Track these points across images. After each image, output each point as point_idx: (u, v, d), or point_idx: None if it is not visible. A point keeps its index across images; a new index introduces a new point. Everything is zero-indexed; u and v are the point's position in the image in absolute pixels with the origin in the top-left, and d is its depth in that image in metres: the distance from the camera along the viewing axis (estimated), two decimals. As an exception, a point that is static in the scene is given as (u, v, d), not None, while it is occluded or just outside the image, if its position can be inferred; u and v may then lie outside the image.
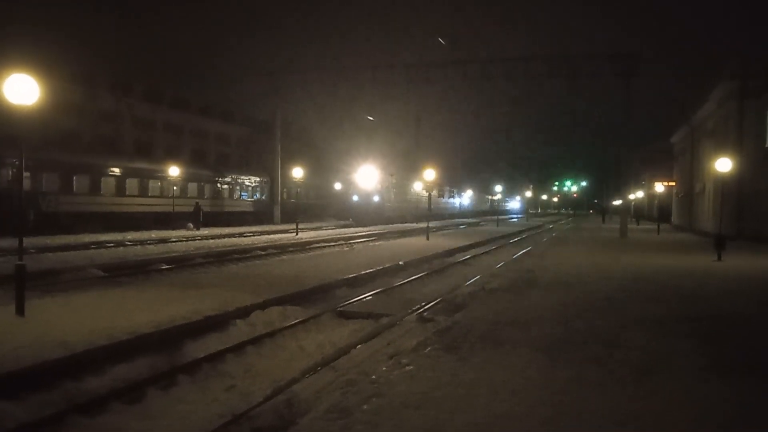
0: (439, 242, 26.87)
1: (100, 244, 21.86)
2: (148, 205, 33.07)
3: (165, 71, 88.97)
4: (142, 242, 23.33)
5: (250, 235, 29.44)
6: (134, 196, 32.36)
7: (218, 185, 39.70)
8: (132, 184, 32.39)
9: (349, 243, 26.65)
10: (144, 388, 6.68)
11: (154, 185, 33.91)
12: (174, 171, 34.40)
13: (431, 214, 32.68)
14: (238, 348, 8.40)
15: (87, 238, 23.37)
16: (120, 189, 31.53)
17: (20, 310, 8.71)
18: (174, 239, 25.40)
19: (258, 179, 44.30)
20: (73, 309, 9.40)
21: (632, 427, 4.81)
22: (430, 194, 34.34)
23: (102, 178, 30.51)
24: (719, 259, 18.92)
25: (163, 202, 34.16)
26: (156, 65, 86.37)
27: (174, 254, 19.14)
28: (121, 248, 20.94)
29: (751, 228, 28.00)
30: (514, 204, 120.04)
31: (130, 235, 25.56)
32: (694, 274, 15.61)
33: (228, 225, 36.43)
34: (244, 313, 10.18)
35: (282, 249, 22.94)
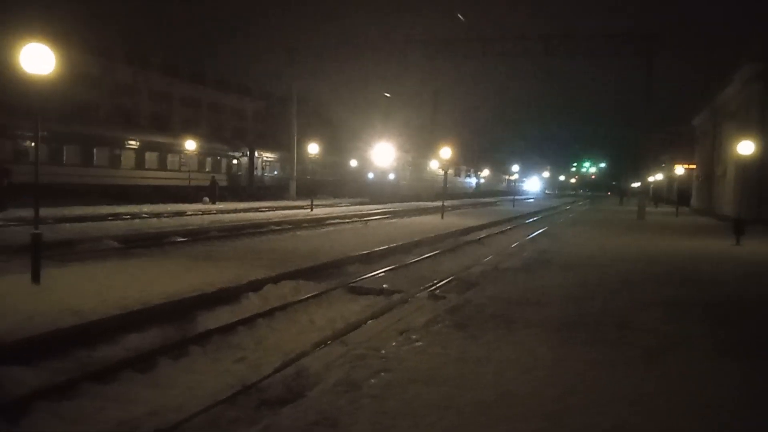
0: (454, 221, 26.78)
1: (116, 216, 22.07)
2: (164, 178, 33.28)
3: (182, 45, 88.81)
4: (158, 215, 23.50)
5: (265, 210, 29.54)
6: (151, 169, 32.55)
7: (234, 160, 39.71)
8: (150, 157, 32.60)
9: (364, 220, 26.64)
10: (155, 357, 6.73)
11: (171, 159, 34.11)
12: (190, 145, 34.51)
13: (447, 192, 32.53)
14: (250, 320, 8.44)
15: (104, 210, 23.57)
16: (139, 162, 31.75)
17: (36, 278, 8.82)
18: (190, 213, 25.55)
19: (275, 155, 44.18)
20: (88, 279, 9.49)
21: (642, 407, 4.77)
22: (446, 173, 34.12)
23: (121, 152, 30.72)
24: (738, 243, 18.66)
25: (179, 176, 34.36)
26: (173, 39, 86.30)
27: (189, 227, 19.26)
28: (137, 220, 21.12)
29: (772, 213, 27.53)
30: (532, 184, 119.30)
31: (147, 208, 25.74)
32: (711, 258, 15.43)
33: (244, 200, 36.57)
34: (257, 286, 10.22)
35: (296, 225, 22.99)
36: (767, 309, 9.17)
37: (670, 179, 63.79)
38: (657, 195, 65.73)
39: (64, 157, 27.67)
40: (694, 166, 49.72)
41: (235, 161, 40.26)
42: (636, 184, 57.01)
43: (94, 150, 29.38)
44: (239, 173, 40.58)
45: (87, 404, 5.52)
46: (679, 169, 47.80)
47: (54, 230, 15.81)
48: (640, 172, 42.12)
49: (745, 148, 20.28)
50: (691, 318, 8.07)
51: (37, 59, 8.54)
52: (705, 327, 7.56)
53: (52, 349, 6.58)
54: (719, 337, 7.09)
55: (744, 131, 26.46)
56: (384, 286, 11.52)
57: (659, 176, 67.27)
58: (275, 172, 44.24)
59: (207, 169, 36.49)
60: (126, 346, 7.13)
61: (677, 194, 49.24)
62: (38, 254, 8.97)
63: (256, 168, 41.92)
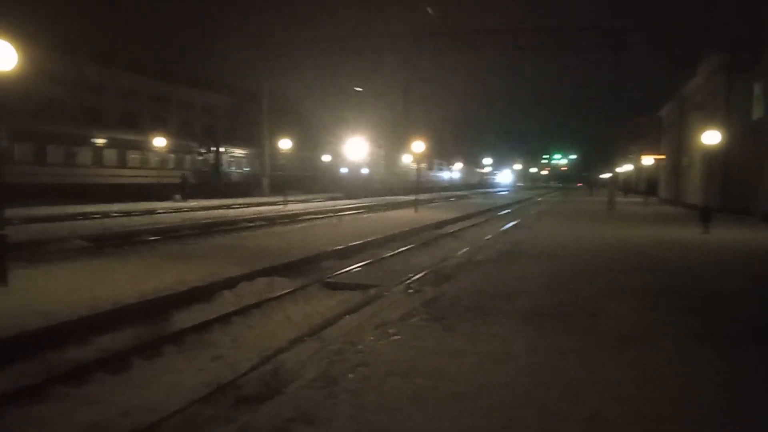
0: (428, 215, 26.86)
1: (86, 216, 21.65)
2: (132, 177, 32.64)
3: (150, 42, 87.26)
4: (128, 213, 23.13)
5: (238, 207, 29.27)
6: (113, 167, 31.80)
7: (199, 157, 38.90)
8: (116, 154, 31.91)
9: (338, 215, 26.58)
10: (129, 358, 6.64)
11: (141, 157, 33.50)
12: (159, 142, 33.92)
13: (420, 186, 32.61)
14: (225, 318, 8.37)
15: (72, 209, 23.10)
16: (102, 160, 31.03)
17: (3, 280, 8.62)
18: (161, 210, 25.19)
19: (246, 151, 43.55)
20: (57, 279, 9.31)
21: (617, 394, 4.85)
22: (419, 167, 34.23)
23: (80, 148, 29.97)
24: (705, 231, 19.06)
25: (148, 173, 33.72)
26: (141, 36, 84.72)
27: (160, 225, 18.99)
28: (107, 219, 20.74)
29: (736, 201, 28.20)
30: (504, 177, 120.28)
31: (117, 207, 25.31)
32: (679, 246, 15.72)
33: (215, 196, 36.12)
34: (231, 284, 10.14)
35: (270, 221, 22.82)
36: (737, 296, 9.37)
37: (639, 170, 64.85)
38: (626, 185, 66.77)
39: (41, 156, 27.17)
40: (661, 157, 50.59)
41: (200, 158, 39.32)
42: (606, 175, 57.83)
43: (47, 147, 28.22)
44: (204, 170, 39.50)
45: (58, 407, 5.42)
46: (647, 160, 48.56)
47: (21, 231, 15.44)
48: (609, 163, 42.74)
49: (711, 138, 20.72)
50: (662, 306, 8.20)
51: (-2, 55, 8.31)
52: (676, 315, 7.70)
53: (21, 352, 6.44)
54: (691, 324, 7.22)
55: (709, 121, 27.05)
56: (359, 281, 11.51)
57: (628, 167, 68.34)
58: (245, 168, 43.49)
59: (170, 166, 35.67)
60: (98, 347, 7.01)
61: (646, 184, 50.08)
62: (5, 256, 8.76)
63: (222, 164, 40.99)
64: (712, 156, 26.70)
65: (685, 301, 8.56)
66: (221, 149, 40.61)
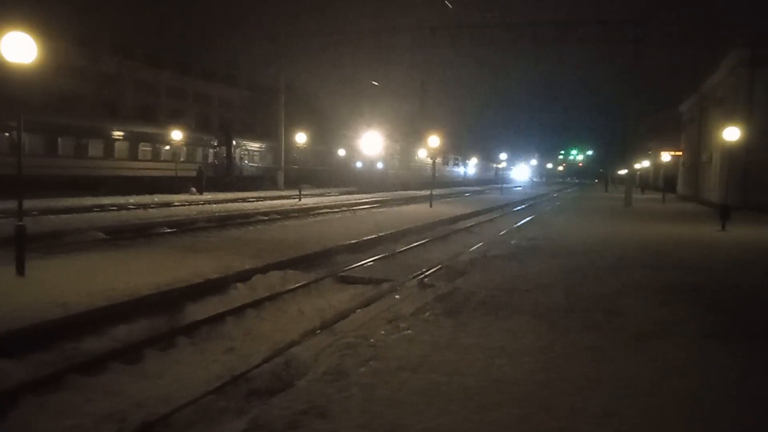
0: (443, 210, 26.79)
1: (102, 207, 21.87)
2: (146, 169, 32.74)
3: (168, 35, 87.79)
4: (144, 206, 23.31)
5: (253, 201, 29.41)
6: (128, 159, 31.96)
7: (211, 150, 38.85)
8: (130, 147, 32.01)
9: (352, 209, 26.60)
10: (143, 349, 6.69)
11: (154, 150, 33.62)
12: (174, 135, 33.99)
13: (435, 181, 32.50)
14: (239, 311, 8.41)
15: (89, 201, 23.34)
16: (114, 152, 31.16)
17: (20, 271, 8.73)
18: (177, 203, 25.36)
19: (261, 145, 43.48)
20: (74, 270, 9.40)
21: (631, 391, 4.80)
22: (434, 161, 34.11)
23: (93, 141, 30.00)
24: (723, 229, 18.83)
25: (161, 166, 33.80)
26: (159, 29, 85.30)
27: (176, 218, 19.12)
28: (124, 212, 20.92)
29: (756, 198, 27.81)
30: (519, 172, 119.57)
31: (133, 199, 25.53)
32: (697, 243, 15.55)
33: (229, 190, 36.24)
34: (245, 276, 10.18)
35: (284, 215, 22.90)
36: (752, 293, 9.25)
37: (657, 166, 64.16)
38: (644, 182, 66.10)
39: (58, 148, 27.48)
40: (680, 153, 50.01)
41: (213, 151, 38.97)
42: (623, 172, 57.33)
43: (58, 139, 28.16)
44: (217, 163, 39.02)
45: (74, 397, 5.48)
46: (666, 156, 48.04)
47: (39, 222, 15.64)
48: (627, 160, 42.31)
49: (731, 134, 20.42)
50: (678, 303, 8.12)
51: (19, 48, 8.39)
52: (693, 312, 7.62)
53: (38, 342, 6.52)
54: (706, 321, 7.14)
55: (730, 117, 26.65)
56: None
57: (646, 163, 67.63)
58: (259, 163, 43.34)
59: (183, 159, 35.70)
60: (113, 338, 7.09)
61: (663, 181, 49.59)
62: (23, 247, 8.87)
63: (235, 158, 40.64)
64: (733, 152, 26.31)
65: (702, 298, 8.46)
66: (235, 143, 40.64)
